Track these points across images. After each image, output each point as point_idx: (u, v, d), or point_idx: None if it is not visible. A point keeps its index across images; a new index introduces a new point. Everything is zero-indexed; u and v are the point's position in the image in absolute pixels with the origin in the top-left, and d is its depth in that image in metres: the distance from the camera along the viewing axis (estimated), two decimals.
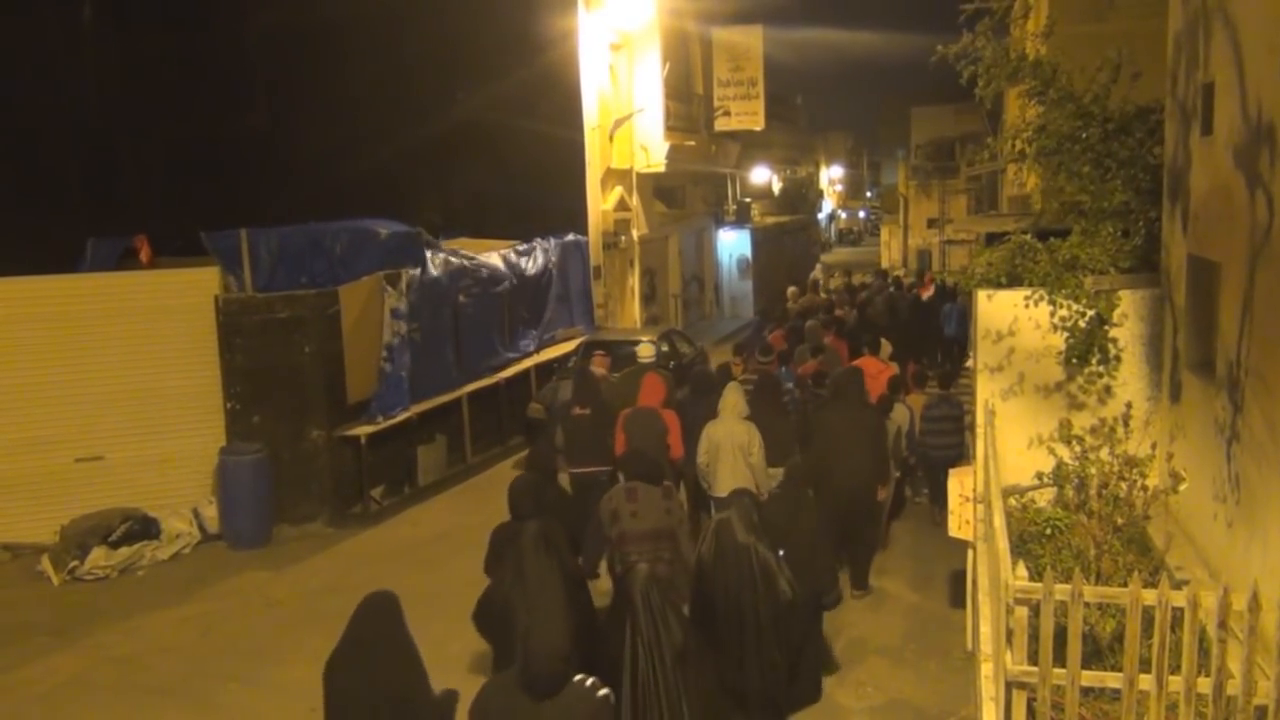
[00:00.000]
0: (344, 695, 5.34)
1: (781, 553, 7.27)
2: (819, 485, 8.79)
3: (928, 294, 22.09)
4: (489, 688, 4.99)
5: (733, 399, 10.12)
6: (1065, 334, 8.03)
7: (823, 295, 23.11)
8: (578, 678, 4.83)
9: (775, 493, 8.68)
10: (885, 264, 46.92)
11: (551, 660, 4.73)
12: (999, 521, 5.45)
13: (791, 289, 23.51)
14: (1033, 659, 4.64)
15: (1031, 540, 6.96)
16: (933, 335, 18.75)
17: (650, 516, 7.53)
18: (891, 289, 22.99)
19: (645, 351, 12.92)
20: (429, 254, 14.29)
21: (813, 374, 12.69)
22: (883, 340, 13.92)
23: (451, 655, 8.22)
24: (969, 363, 9.86)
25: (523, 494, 7.59)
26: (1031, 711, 4.68)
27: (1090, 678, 4.70)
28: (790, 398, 11.84)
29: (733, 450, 9.67)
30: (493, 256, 16.54)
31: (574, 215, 20.22)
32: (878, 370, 12.15)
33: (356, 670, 5.30)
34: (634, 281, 23.50)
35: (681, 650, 5.97)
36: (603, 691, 4.90)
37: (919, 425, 11.55)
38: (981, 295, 8.33)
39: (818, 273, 32.32)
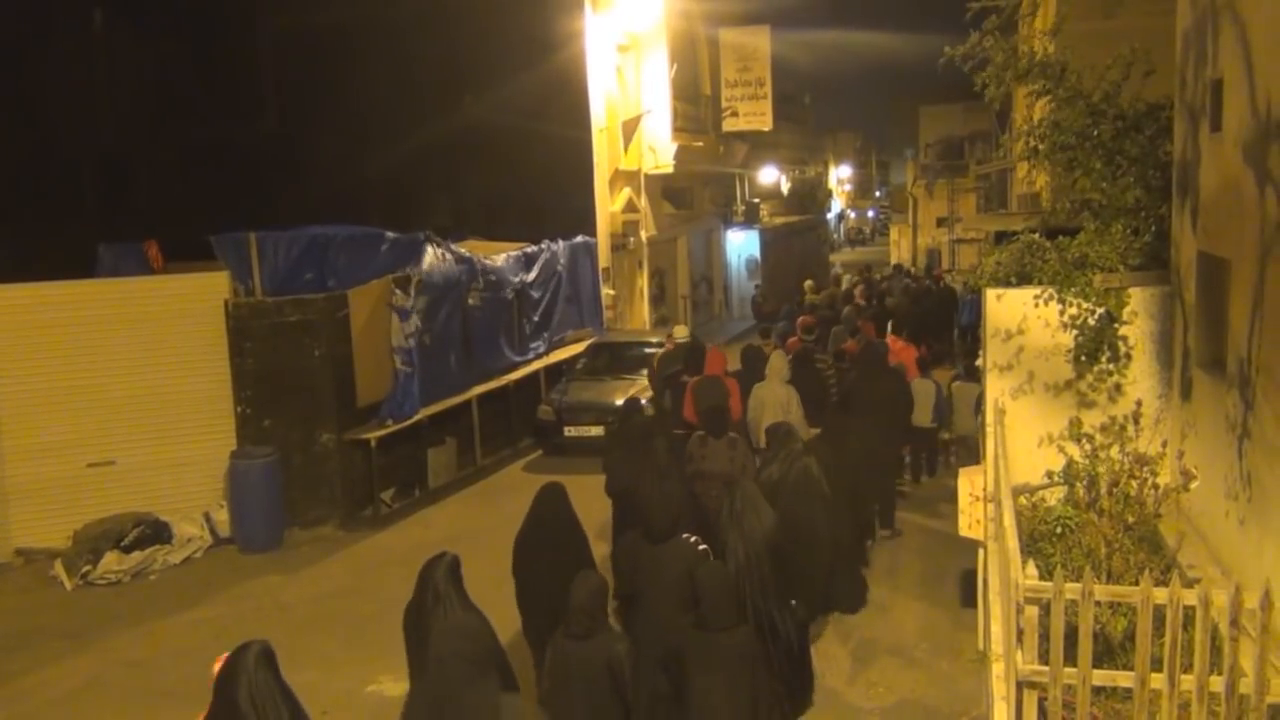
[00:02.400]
0: (531, 562, 7.38)
1: None
2: (849, 439, 10.36)
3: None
4: (624, 540, 7.48)
5: (777, 365, 11.92)
6: (1075, 332, 7.99)
7: (845, 287, 24.95)
8: (685, 535, 6.93)
9: (819, 435, 10.49)
10: (896, 259, 46.96)
11: (665, 516, 7.00)
12: (1009, 520, 5.43)
13: (809, 283, 25.24)
14: (1044, 658, 4.63)
15: (1042, 539, 6.93)
16: (947, 323, 20.26)
17: (717, 461, 9.50)
18: (909, 281, 25.35)
19: (680, 332, 15.64)
20: (438, 256, 14.30)
21: (849, 351, 14.66)
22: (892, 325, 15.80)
23: None
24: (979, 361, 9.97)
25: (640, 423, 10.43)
26: (1043, 711, 4.67)
27: (1102, 677, 4.68)
28: (832, 369, 13.70)
29: (775, 408, 11.32)
30: (502, 258, 16.55)
31: (583, 217, 20.26)
32: (900, 347, 14.39)
33: (540, 542, 7.39)
34: (643, 283, 23.54)
35: (772, 541, 7.44)
36: (702, 546, 6.88)
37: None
38: (990, 294, 8.30)
39: (840, 269, 34.84)
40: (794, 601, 7.63)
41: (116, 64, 19.92)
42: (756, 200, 35.38)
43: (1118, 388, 8.02)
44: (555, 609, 6.20)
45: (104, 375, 11.94)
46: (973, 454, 12.02)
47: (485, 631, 5.32)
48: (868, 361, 12.76)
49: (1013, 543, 5.07)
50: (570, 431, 15.27)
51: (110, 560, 11.17)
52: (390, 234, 13.97)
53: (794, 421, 10.75)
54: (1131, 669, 4.63)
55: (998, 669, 5.28)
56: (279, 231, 13.40)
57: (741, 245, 32.84)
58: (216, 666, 4.94)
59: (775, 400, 11.44)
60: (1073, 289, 7.95)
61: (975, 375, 12.27)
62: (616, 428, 11.51)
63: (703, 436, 9.82)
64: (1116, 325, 7.92)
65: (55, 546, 11.56)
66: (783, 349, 13.97)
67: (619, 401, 15.22)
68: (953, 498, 8.86)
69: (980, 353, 12.52)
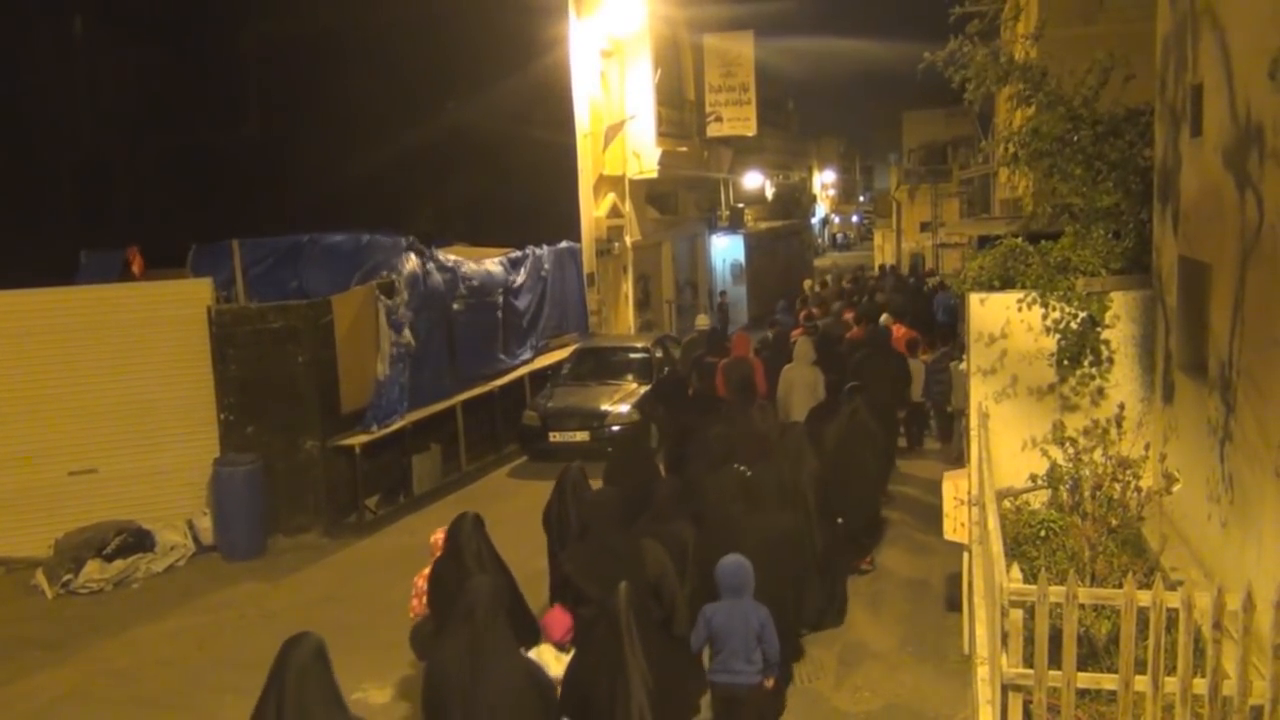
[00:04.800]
0: (617, 481, 9.18)
1: None
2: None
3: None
4: (687, 471, 9.43)
5: (804, 349, 13.73)
6: (1057, 336, 8.04)
7: (843, 285, 28.72)
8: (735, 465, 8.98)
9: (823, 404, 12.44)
10: (881, 263, 47.46)
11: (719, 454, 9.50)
12: (993, 524, 5.45)
13: (808, 281, 29.34)
14: (1028, 661, 4.64)
15: (1026, 542, 6.97)
16: (928, 317, 21.81)
17: (750, 423, 11.13)
18: (893, 279, 28.80)
19: (702, 321, 18.65)
20: (422, 262, 14.26)
21: (853, 338, 17.03)
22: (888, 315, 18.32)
23: None
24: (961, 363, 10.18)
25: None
26: (1028, 714, 4.68)
27: (1086, 679, 4.70)
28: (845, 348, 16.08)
29: (803, 387, 13.02)
30: (486, 264, 16.52)
31: (568, 222, 20.23)
32: (903, 333, 16.34)
33: (623, 467, 9.40)
34: (628, 288, 23.52)
35: (817, 476, 9.22)
36: (750, 473, 8.68)
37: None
38: (974, 299, 8.34)
39: (833, 269, 39.51)
40: (840, 519, 9.49)
41: (97, 70, 19.81)
42: (741, 205, 35.38)
43: (1100, 391, 8.07)
44: (636, 513, 8.04)
45: (86, 383, 11.85)
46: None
47: (619, 501, 7.59)
48: (876, 343, 15.25)
49: (997, 546, 5.08)
50: (555, 437, 15.22)
51: (92, 569, 11.08)
52: (373, 238, 13.93)
53: (819, 399, 12.74)
54: (1116, 672, 4.65)
55: (983, 672, 5.30)
56: (262, 239, 13.36)
57: (726, 250, 32.85)
58: (435, 536, 7.45)
59: (803, 380, 13.14)
60: (1055, 293, 8.00)
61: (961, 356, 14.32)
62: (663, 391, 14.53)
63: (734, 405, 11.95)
64: (1099, 329, 7.97)
65: (36, 555, 11.45)
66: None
67: (604, 407, 15.25)
68: (938, 503, 8.93)
69: (958, 342, 13.56)
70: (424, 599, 7.31)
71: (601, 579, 6.55)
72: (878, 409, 12.10)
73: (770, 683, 6.74)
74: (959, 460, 13.09)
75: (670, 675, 6.12)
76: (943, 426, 15.37)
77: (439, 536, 7.34)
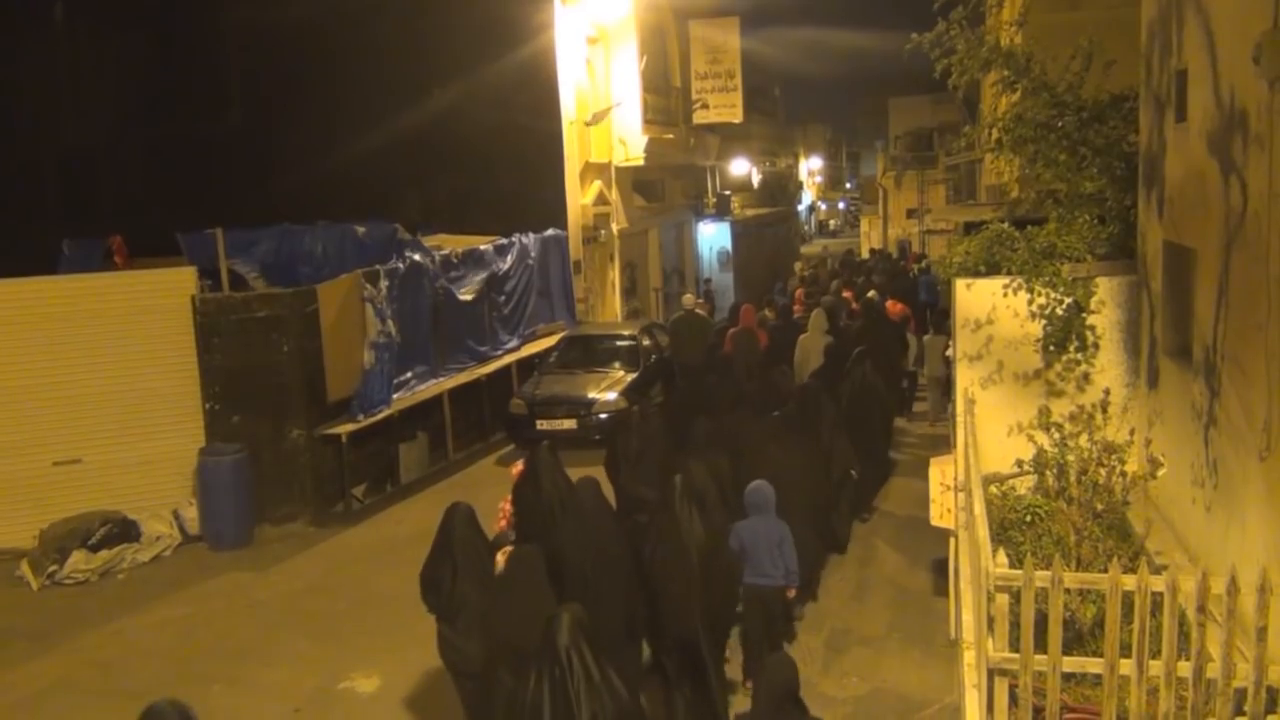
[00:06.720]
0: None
1: None
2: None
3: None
4: (733, 418, 10.78)
5: (818, 320, 15.39)
6: (1043, 322, 8.06)
7: (836, 267, 30.58)
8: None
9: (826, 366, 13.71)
10: (870, 246, 47.84)
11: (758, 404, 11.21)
12: (979, 509, 5.46)
13: (799, 264, 32.71)
14: (1014, 646, 4.66)
15: (1012, 527, 6.99)
16: (914, 296, 22.50)
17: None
18: (884, 261, 31.03)
19: (689, 301, 18.76)
20: (407, 250, 14.20)
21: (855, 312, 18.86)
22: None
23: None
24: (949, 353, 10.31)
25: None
26: (1014, 698, 4.70)
27: (1071, 663, 4.72)
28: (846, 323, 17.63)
29: (818, 355, 14.34)
30: (472, 252, 16.47)
31: (554, 209, 20.17)
32: (899, 309, 18.02)
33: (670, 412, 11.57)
34: (614, 275, 23.47)
35: (834, 421, 10.59)
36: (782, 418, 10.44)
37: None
38: (960, 284, 8.34)
39: (825, 254, 41.62)
40: (853, 471, 10.59)
41: (79, 59, 19.66)
42: (728, 192, 35.31)
43: (1086, 376, 8.09)
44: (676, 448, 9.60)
45: (70, 373, 11.77)
46: (940, 389, 15.53)
47: (668, 432, 9.80)
48: (874, 316, 16.91)
49: (983, 531, 5.10)
50: (542, 425, 15.17)
51: (78, 559, 11.03)
52: (360, 228, 13.86)
53: None
54: (1101, 655, 4.67)
55: (969, 657, 5.32)
56: (249, 229, 13.32)
57: (713, 237, 32.78)
58: (515, 468, 8.64)
59: (817, 349, 14.54)
60: (1041, 279, 8.01)
61: (941, 330, 15.50)
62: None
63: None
64: (1084, 314, 7.99)
65: (21, 546, 11.39)
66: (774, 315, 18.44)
67: (591, 395, 15.23)
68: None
69: (937, 317, 14.91)
70: (509, 518, 8.33)
71: (657, 486, 8.01)
72: (883, 372, 13.33)
73: (792, 592, 8.10)
74: (941, 416, 14.71)
75: (718, 564, 7.27)
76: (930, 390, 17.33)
77: (518, 466, 8.64)
